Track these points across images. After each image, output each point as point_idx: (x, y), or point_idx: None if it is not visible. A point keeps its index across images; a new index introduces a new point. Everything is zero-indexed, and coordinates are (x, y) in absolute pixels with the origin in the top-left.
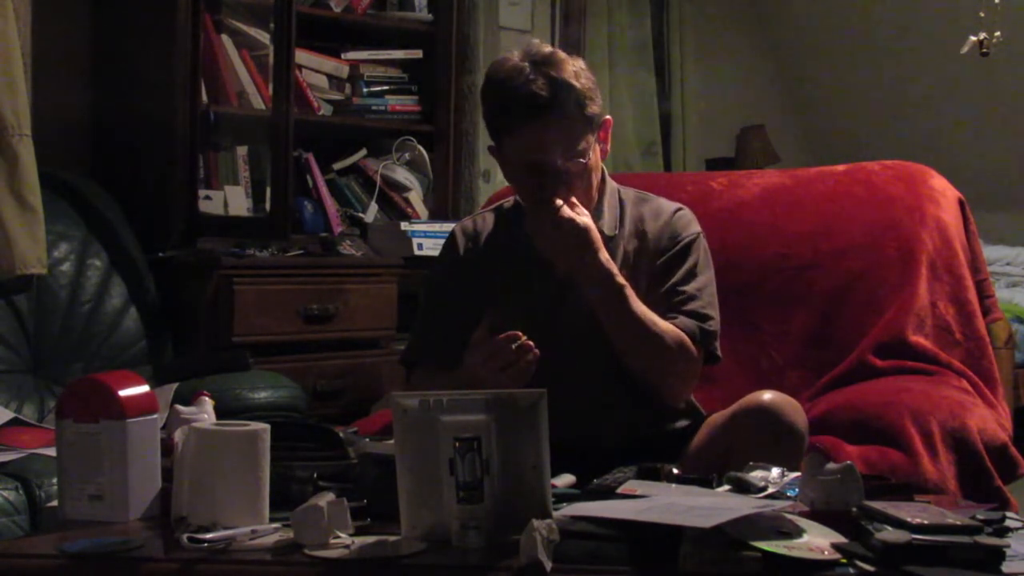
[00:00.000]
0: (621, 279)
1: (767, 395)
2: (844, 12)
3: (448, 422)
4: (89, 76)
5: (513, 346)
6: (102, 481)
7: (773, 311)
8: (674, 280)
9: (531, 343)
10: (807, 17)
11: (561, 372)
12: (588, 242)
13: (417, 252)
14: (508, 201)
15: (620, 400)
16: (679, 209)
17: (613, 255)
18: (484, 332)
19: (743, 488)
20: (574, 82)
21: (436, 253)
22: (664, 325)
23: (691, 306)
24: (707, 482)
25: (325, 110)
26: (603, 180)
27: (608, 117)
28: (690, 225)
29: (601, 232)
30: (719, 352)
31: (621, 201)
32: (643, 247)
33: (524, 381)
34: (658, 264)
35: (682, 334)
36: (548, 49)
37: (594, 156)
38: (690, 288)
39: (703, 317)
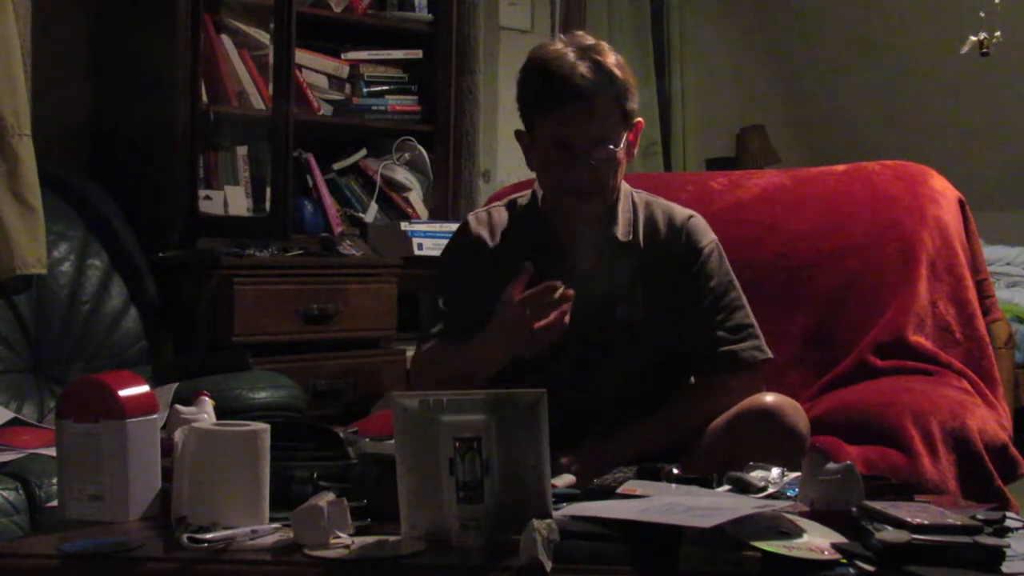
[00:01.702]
0: (620, 443)
1: (769, 397)
2: (844, 12)
3: (448, 422)
4: (89, 76)
5: (556, 295)
6: (102, 481)
7: (773, 311)
8: (709, 299)
9: (571, 292)
10: (807, 17)
11: (575, 370)
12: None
13: (417, 252)
14: (523, 197)
15: (634, 396)
16: (691, 216)
17: (626, 262)
18: (519, 288)
19: (743, 488)
20: (617, 72)
21: (436, 253)
22: (678, 407)
23: (734, 321)
24: (707, 482)
25: (325, 110)
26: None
27: (640, 120)
28: (707, 233)
29: (615, 238)
30: (769, 353)
31: (634, 205)
32: (657, 254)
33: (557, 337)
34: (685, 278)
35: (697, 400)
36: (592, 40)
37: (623, 152)
38: (727, 301)
39: (745, 328)
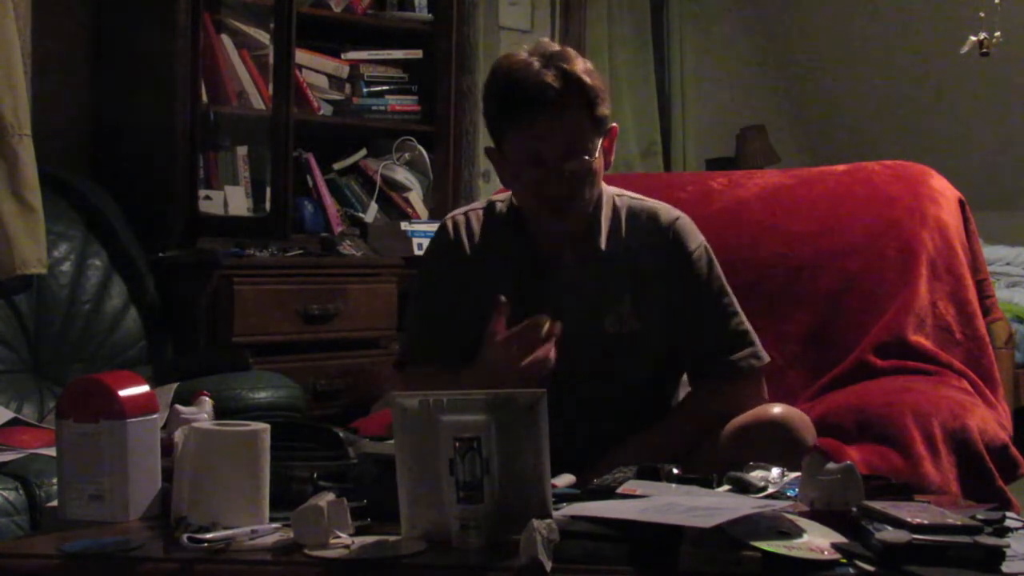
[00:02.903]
0: (622, 453)
1: (776, 409)
2: (844, 12)
3: (448, 422)
4: (89, 76)
5: (542, 332)
6: (102, 481)
7: (773, 311)
8: (702, 306)
9: (557, 327)
10: (808, 17)
11: (558, 377)
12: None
13: (417, 252)
14: (501, 202)
15: (618, 404)
16: (678, 218)
17: (611, 272)
18: (499, 325)
19: (743, 488)
20: (585, 78)
21: None
22: (680, 418)
23: (730, 328)
24: (707, 482)
25: (325, 110)
26: (599, 190)
27: (614, 125)
28: (695, 236)
29: (598, 248)
30: (766, 356)
31: (616, 210)
32: (643, 261)
33: (546, 372)
34: (675, 283)
35: (698, 409)
36: (557, 47)
37: (599, 161)
38: (721, 309)
39: (742, 334)
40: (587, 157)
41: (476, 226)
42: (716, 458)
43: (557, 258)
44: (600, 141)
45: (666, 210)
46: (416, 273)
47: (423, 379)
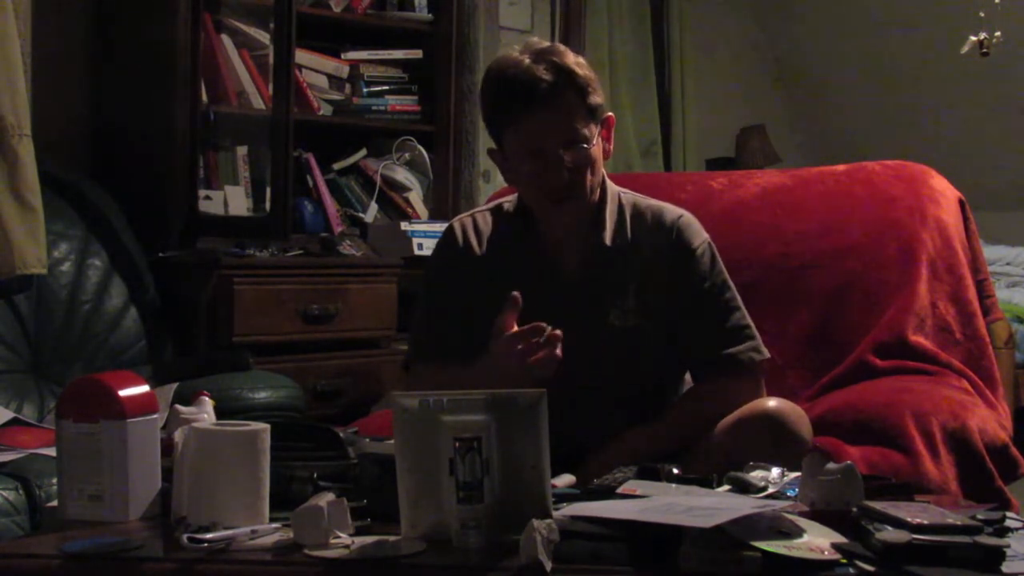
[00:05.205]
0: (621, 450)
1: (772, 402)
2: (844, 12)
3: (448, 422)
4: (89, 76)
5: (542, 337)
6: (102, 481)
7: (773, 311)
8: (704, 301)
9: (558, 333)
10: (807, 17)
11: (565, 378)
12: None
13: (417, 252)
14: (509, 202)
15: (621, 398)
16: (682, 216)
17: (615, 267)
18: (510, 319)
19: (743, 488)
20: (576, 69)
21: None
22: (679, 412)
23: (731, 322)
24: (707, 482)
25: (325, 110)
26: (604, 186)
27: (610, 114)
28: (699, 233)
29: (602, 243)
30: (767, 352)
31: (620, 207)
32: (647, 256)
33: (551, 372)
34: (678, 279)
35: (698, 402)
36: (547, 43)
37: (597, 149)
38: (723, 304)
39: (742, 329)
40: (584, 145)
41: (483, 226)
42: (712, 451)
43: (562, 252)
44: (596, 129)
45: (671, 208)
46: (421, 274)
47: (430, 375)
